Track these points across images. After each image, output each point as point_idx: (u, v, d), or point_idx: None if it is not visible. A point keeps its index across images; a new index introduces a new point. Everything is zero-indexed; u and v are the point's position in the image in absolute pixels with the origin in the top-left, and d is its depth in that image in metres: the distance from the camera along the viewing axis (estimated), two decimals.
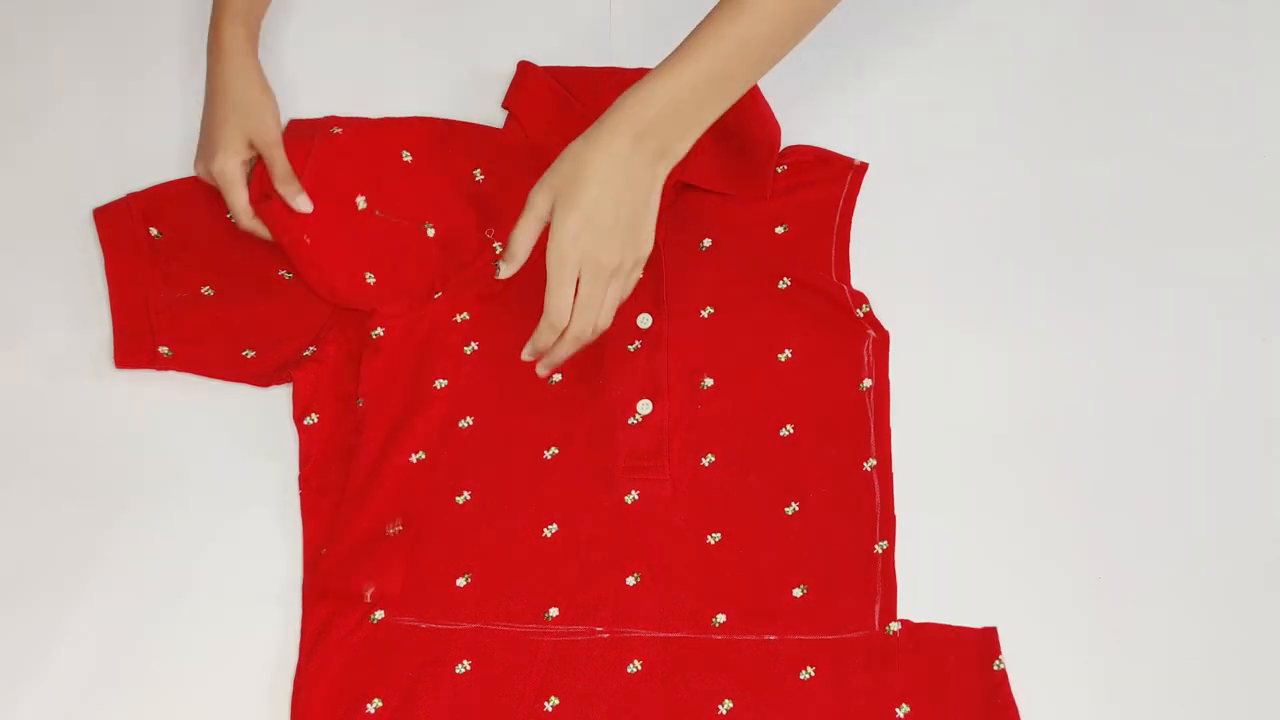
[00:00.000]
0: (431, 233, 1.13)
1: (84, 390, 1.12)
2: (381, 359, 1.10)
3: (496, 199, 1.16)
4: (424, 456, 1.08)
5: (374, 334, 1.10)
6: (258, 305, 1.13)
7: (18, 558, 1.07)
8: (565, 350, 1.04)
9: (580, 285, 1.01)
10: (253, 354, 1.12)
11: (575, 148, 1.00)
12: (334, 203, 1.12)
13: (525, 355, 1.05)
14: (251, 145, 1.10)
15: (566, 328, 1.03)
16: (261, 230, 1.11)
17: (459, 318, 1.12)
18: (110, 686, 1.03)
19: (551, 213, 1.00)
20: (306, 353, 1.11)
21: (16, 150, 1.21)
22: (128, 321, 1.12)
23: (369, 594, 1.03)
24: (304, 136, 1.13)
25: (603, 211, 0.99)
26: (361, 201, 1.12)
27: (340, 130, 1.15)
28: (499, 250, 1.13)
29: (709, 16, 1.02)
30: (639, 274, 1.04)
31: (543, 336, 1.03)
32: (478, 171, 1.17)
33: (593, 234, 0.99)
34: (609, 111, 1.00)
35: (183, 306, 1.13)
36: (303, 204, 1.09)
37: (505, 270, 1.03)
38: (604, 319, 1.04)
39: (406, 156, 1.15)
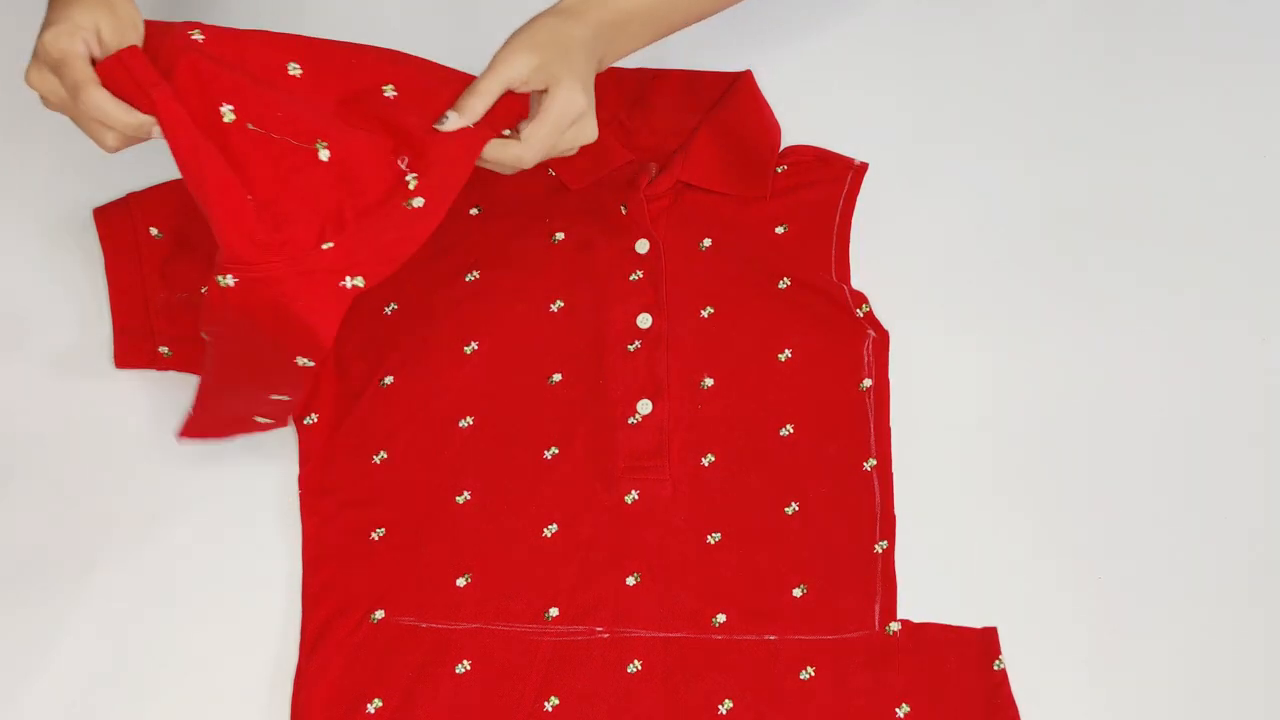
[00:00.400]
0: (325, 155, 0.91)
1: (84, 390, 1.12)
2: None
3: (413, 121, 0.95)
4: (385, 456, 1.08)
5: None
6: None
7: (18, 557, 1.07)
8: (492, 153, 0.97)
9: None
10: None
11: (553, 22, 0.98)
12: (187, 300, 1.10)
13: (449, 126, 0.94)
14: (101, 42, 0.90)
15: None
16: (108, 112, 0.90)
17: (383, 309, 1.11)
18: (110, 686, 1.03)
19: (538, 78, 0.96)
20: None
21: (17, 150, 1.21)
22: (128, 321, 1.12)
23: (377, 616, 1.04)
24: (158, 37, 0.92)
25: (589, 89, 0.98)
26: (228, 112, 0.90)
27: (203, 36, 0.92)
28: (412, 186, 0.94)
29: None
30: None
31: (496, 150, 0.97)
32: (389, 88, 0.96)
33: (588, 101, 0.98)
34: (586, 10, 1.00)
35: (183, 306, 1.13)
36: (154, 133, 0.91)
37: (450, 123, 0.94)
38: (529, 161, 0.98)
39: (294, 69, 0.94)
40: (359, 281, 0.91)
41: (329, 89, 0.94)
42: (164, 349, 1.11)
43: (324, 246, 0.90)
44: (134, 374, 1.12)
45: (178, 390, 1.12)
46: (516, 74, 0.95)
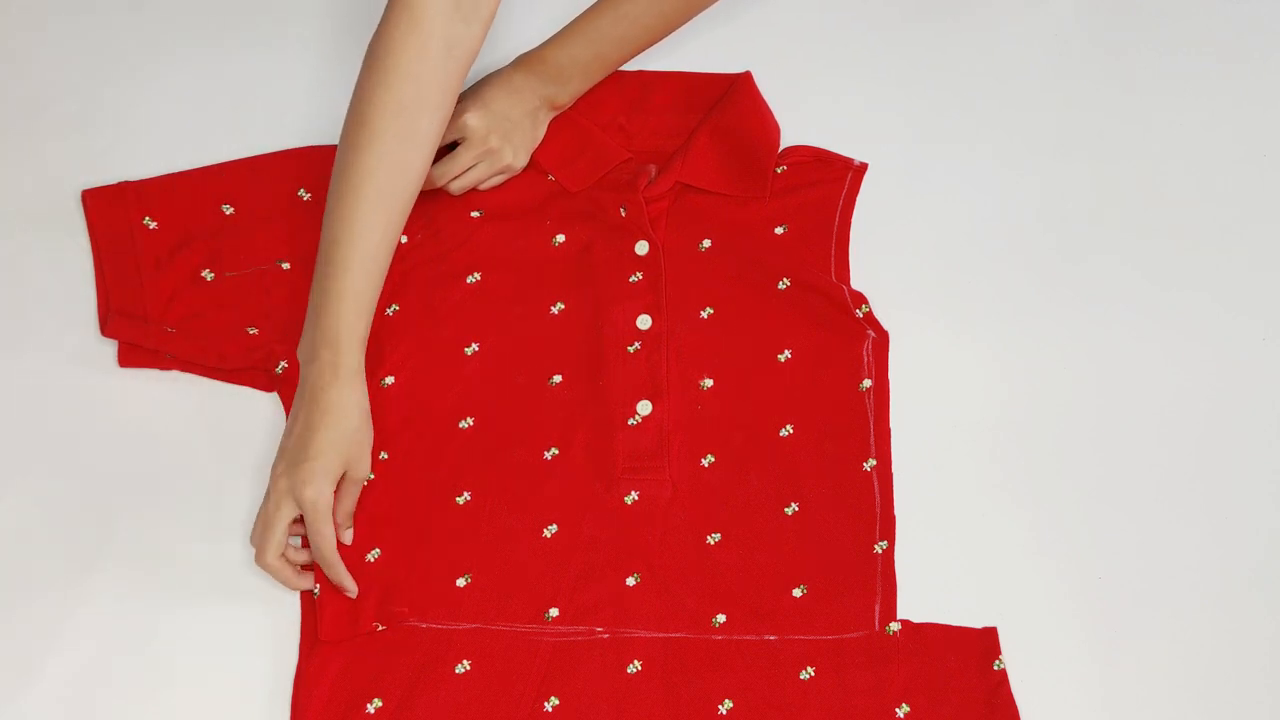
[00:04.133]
0: (286, 266, 1.14)
1: (84, 390, 1.12)
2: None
3: None
4: (386, 457, 1.09)
5: (278, 368, 1.10)
6: (258, 293, 1.13)
7: (18, 557, 1.07)
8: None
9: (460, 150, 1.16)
10: (256, 331, 1.11)
11: (498, 73, 1.19)
12: (184, 289, 1.13)
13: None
14: (341, 476, 1.03)
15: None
16: (338, 569, 1.03)
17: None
18: (110, 686, 1.03)
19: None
20: (278, 369, 1.11)
21: (18, 148, 1.21)
22: (122, 305, 1.12)
23: (378, 627, 1.04)
24: (124, 243, 1.14)
25: (502, 105, 1.17)
26: (208, 274, 1.13)
27: (155, 225, 1.15)
28: None
29: None
30: (499, 175, 1.18)
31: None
32: (302, 192, 1.17)
33: (489, 115, 1.16)
34: (533, 56, 1.19)
35: (181, 290, 1.12)
36: (347, 538, 1.05)
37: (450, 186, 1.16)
38: (456, 186, 1.17)
39: (227, 210, 1.16)
40: None
41: (259, 211, 1.16)
42: (169, 328, 1.11)
43: None
44: (134, 374, 1.12)
45: (178, 390, 1.12)
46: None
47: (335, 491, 1.02)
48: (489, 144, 1.16)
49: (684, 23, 1.20)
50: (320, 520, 1.01)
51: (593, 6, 1.18)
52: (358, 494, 1.05)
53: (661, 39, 1.20)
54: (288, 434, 1.03)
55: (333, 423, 1.02)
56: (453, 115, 1.12)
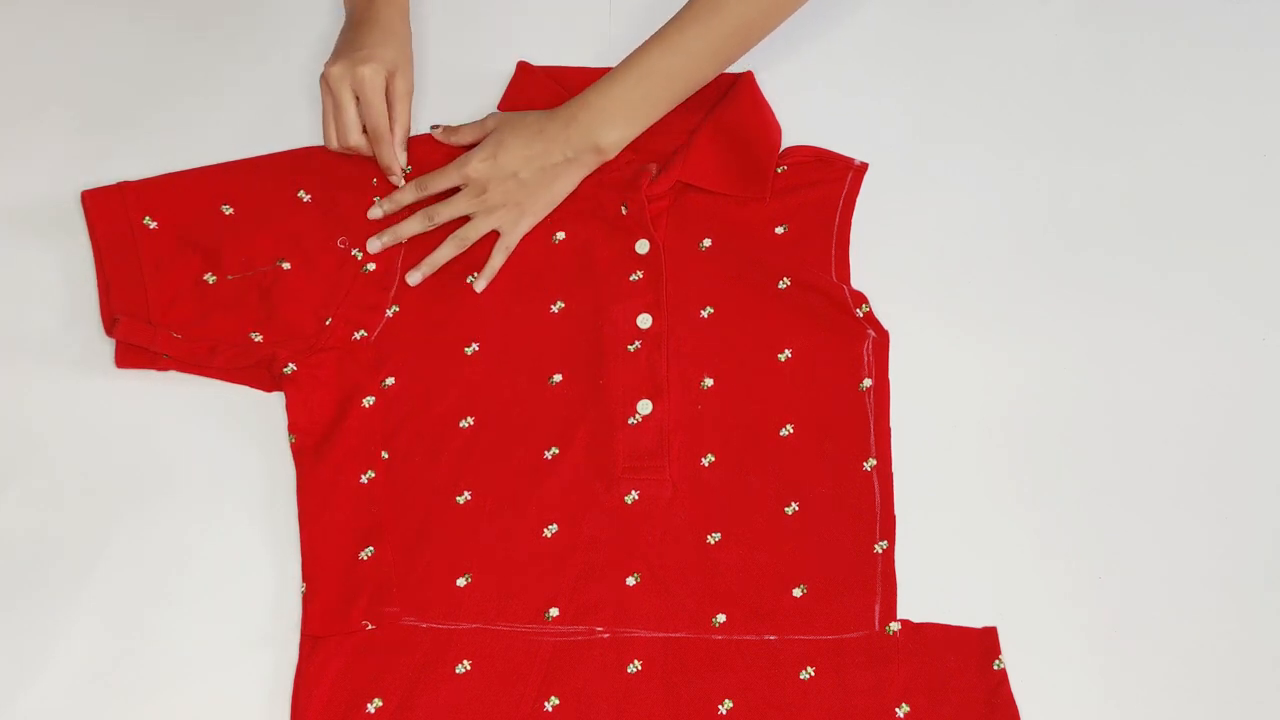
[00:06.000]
0: (288, 266, 1.14)
1: (84, 390, 1.12)
2: (302, 391, 1.11)
3: (332, 210, 1.16)
4: (386, 457, 1.09)
5: (285, 370, 1.10)
6: (259, 295, 1.13)
7: (18, 557, 1.07)
8: (404, 228, 1.15)
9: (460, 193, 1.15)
10: (261, 337, 1.11)
11: (536, 115, 1.16)
12: (187, 290, 1.13)
13: (378, 211, 1.16)
14: (389, 81, 1.15)
15: (419, 206, 1.16)
16: (393, 145, 1.15)
17: (358, 334, 1.12)
18: (110, 686, 1.03)
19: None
20: (286, 370, 1.11)
21: (18, 148, 1.21)
22: (126, 308, 1.12)
23: (367, 625, 1.04)
24: (124, 243, 1.14)
25: (513, 161, 1.14)
26: (210, 278, 1.14)
27: (155, 225, 1.14)
28: (359, 256, 1.15)
29: (676, 19, 1.14)
30: (508, 239, 1.15)
31: (402, 194, 1.16)
32: (302, 193, 1.17)
33: (494, 167, 1.14)
34: (575, 101, 1.15)
35: (183, 292, 1.13)
36: (399, 177, 1.16)
37: (446, 136, 1.18)
38: (439, 219, 1.15)
39: (227, 210, 1.16)
40: (362, 333, 1.13)
41: (258, 212, 1.16)
42: (165, 355, 1.11)
43: (326, 322, 1.12)
44: (134, 374, 1.12)
45: (178, 390, 1.12)
46: (484, 128, 1.18)
47: (389, 106, 1.15)
48: (486, 200, 1.14)
49: (737, 56, 1.16)
50: (376, 97, 1.14)
51: (642, 45, 1.15)
52: (409, 109, 1.16)
53: (713, 74, 1.16)
54: (338, 46, 1.16)
55: (385, 30, 1.15)
56: (464, 155, 1.15)
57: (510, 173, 1.14)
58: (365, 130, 1.16)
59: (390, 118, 1.15)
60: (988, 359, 1.14)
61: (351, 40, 1.16)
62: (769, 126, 1.19)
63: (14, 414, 1.11)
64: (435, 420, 1.10)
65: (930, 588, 1.06)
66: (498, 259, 1.15)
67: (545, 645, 1.04)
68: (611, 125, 1.13)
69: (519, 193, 1.14)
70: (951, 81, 1.25)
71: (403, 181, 1.16)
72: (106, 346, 1.13)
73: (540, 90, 1.21)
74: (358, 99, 1.14)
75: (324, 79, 1.15)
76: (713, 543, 1.07)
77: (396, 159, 1.15)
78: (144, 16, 1.27)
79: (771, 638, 1.04)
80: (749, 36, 1.15)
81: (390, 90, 1.15)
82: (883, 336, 1.13)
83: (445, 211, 1.14)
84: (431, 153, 1.18)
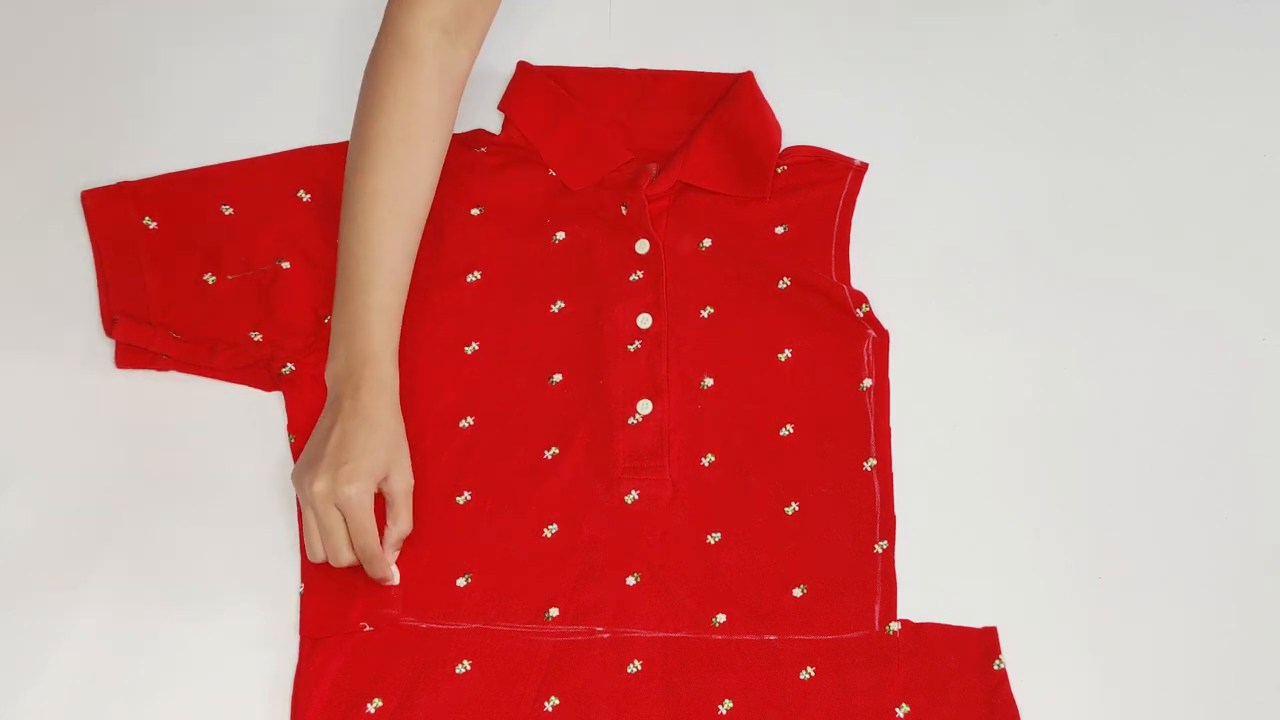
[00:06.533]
0: (287, 265, 1.13)
1: (84, 390, 1.12)
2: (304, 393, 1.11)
3: (329, 210, 1.15)
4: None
5: (284, 369, 1.10)
6: (259, 294, 1.13)
7: (18, 557, 1.07)
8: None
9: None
10: (261, 336, 1.11)
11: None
12: (187, 290, 1.13)
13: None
14: (383, 483, 1.04)
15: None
16: (386, 564, 1.04)
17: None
18: (110, 686, 1.03)
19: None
20: (285, 370, 1.11)
21: (18, 148, 1.21)
22: (126, 307, 1.12)
23: (365, 627, 1.03)
24: (124, 243, 1.13)
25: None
26: (210, 278, 1.13)
27: (155, 225, 1.14)
28: None
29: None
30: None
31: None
32: (302, 193, 1.16)
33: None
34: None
35: (183, 292, 1.13)
36: (395, 577, 1.05)
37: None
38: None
39: (227, 210, 1.16)
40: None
41: (258, 212, 1.15)
42: (165, 355, 1.11)
43: (325, 321, 1.11)
44: (134, 374, 1.12)
45: (178, 390, 1.12)
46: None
47: (381, 508, 1.03)
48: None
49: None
50: (365, 518, 1.01)
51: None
52: (410, 508, 1.05)
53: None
54: (318, 444, 1.03)
55: (374, 428, 1.03)
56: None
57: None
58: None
59: (389, 521, 1.04)
60: (988, 359, 1.14)
61: (337, 444, 1.02)
62: (769, 126, 1.20)
63: (14, 414, 1.11)
64: (435, 420, 1.10)
65: (930, 588, 1.06)
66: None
67: (545, 645, 1.04)
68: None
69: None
70: (951, 81, 1.25)
71: (396, 579, 1.05)
72: (106, 346, 1.13)
73: (540, 90, 1.21)
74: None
75: (301, 491, 1.02)
76: (713, 543, 1.07)
77: (390, 573, 1.04)
78: (144, 16, 1.27)
79: (771, 638, 1.04)
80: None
81: (387, 491, 1.04)
82: (883, 336, 1.13)
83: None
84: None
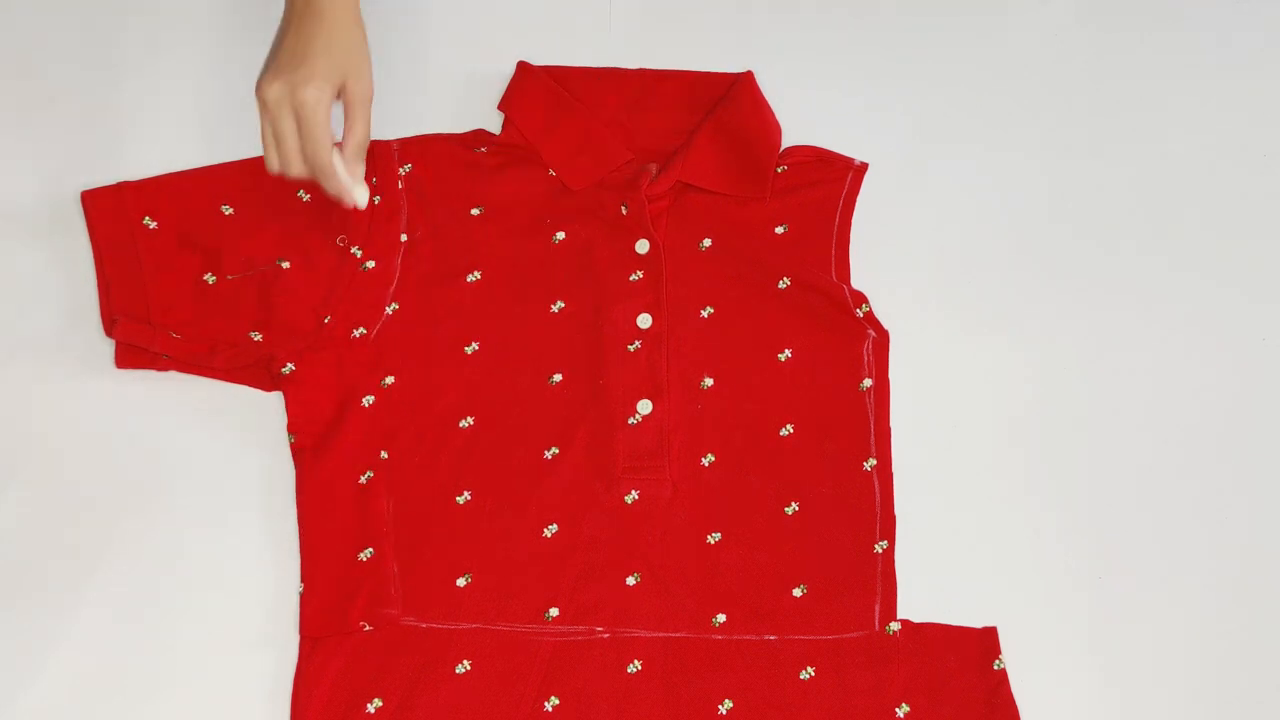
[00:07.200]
0: (286, 265, 1.12)
1: (84, 390, 1.12)
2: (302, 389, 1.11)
3: (332, 209, 1.13)
4: (386, 456, 1.09)
5: (284, 369, 1.10)
6: (258, 294, 1.13)
7: (18, 558, 1.07)
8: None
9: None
10: (260, 336, 1.11)
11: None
12: (187, 290, 1.12)
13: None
14: (342, 90, 1.00)
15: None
16: (338, 178, 1.02)
17: (357, 332, 1.12)
18: (109, 686, 1.03)
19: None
20: (285, 370, 1.11)
21: (17, 148, 1.21)
22: (125, 308, 1.12)
23: (365, 626, 1.04)
24: (124, 243, 1.13)
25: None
26: (210, 278, 1.13)
27: (155, 225, 1.13)
28: (359, 254, 1.13)
29: None
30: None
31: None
32: (301, 193, 1.15)
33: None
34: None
35: (183, 292, 1.13)
36: (360, 197, 1.01)
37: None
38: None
39: (226, 210, 1.15)
40: (361, 331, 1.12)
41: (257, 212, 1.14)
42: (165, 355, 1.11)
43: (325, 320, 1.11)
44: (134, 374, 1.12)
45: (178, 390, 1.12)
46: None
47: (344, 114, 1.01)
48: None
49: None
50: (319, 126, 0.97)
51: None
52: (369, 117, 1.01)
53: None
54: (276, 49, 0.99)
55: (329, 28, 0.99)
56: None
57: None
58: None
59: (346, 129, 1.03)
60: (988, 359, 1.14)
61: (292, 48, 1.00)
62: (769, 126, 1.19)
63: (14, 414, 1.11)
64: (435, 420, 1.10)
65: (930, 588, 1.06)
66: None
67: (545, 645, 1.04)
68: None
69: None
70: (951, 81, 1.25)
71: (363, 200, 1.05)
72: (106, 346, 1.13)
73: (540, 90, 1.20)
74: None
75: (259, 98, 1.00)
76: (713, 543, 1.07)
77: (345, 188, 1.02)
78: (144, 16, 1.27)
79: (771, 638, 1.04)
80: None
81: (345, 97, 1.01)
82: (883, 336, 1.13)
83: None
84: (428, 151, 1.18)
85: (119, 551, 1.07)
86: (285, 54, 0.99)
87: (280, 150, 0.99)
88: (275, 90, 0.98)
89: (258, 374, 1.12)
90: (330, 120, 0.99)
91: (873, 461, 1.09)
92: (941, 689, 1.03)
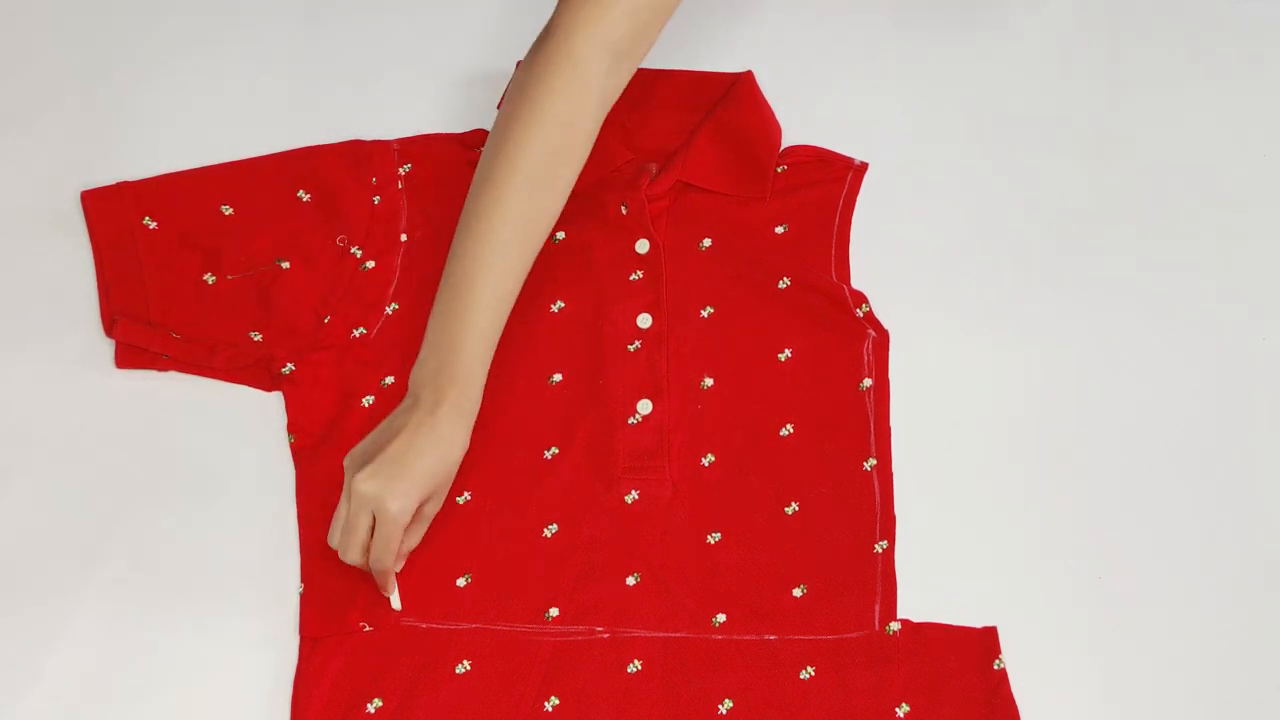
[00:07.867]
0: (286, 265, 1.13)
1: (84, 390, 1.12)
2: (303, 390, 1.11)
3: (328, 210, 1.16)
4: None
5: (284, 369, 1.11)
6: (258, 294, 1.13)
7: (18, 558, 1.07)
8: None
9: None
10: (260, 336, 1.11)
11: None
12: (187, 290, 1.13)
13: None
14: (423, 504, 1.02)
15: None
16: (390, 580, 1.02)
17: (357, 332, 1.12)
18: (110, 687, 1.03)
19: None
20: (285, 370, 1.11)
21: (17, 148, 1.21)
22: (125, 308, 1.12)
23: (365, 627, 1.03)
24: (124, 243, 1.13)
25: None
26: (210, 278, 1.13)
27: (155, 225, 1.14)
28: (359, 254, 1.14)
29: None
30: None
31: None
32: (301, 193, 1.16)
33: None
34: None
35: (183, 292, 1.13)
36: (396, 600, 1.03)
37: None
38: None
39: (226, 210, 1.15)
40: (361, 330, 1.13)
41: (257, 212, 1.16)
42: (165, 355, 1.12)
43: (325, 320, 1.12)
44: (134, 374, 1.12)
45: (178, 390, 1.12)
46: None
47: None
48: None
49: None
50: (394, 536, 0.99)
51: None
52: (425, 529, 1.04)
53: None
54: (381, 441, 1.00)
55: (441, 455, 1.01)
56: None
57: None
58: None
59: (407, 531, 1.02)
60: (988, 359, 1.14)
61: (400, 454, 0.99)
62: (769, 126, 1.20)
63: (14, 414, 1.11)
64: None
65: (930, 588, 1.06)
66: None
67: (545, 645, 1.04)
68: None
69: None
70: (952, 82, 1.25)
71: (398, 603, 1.03)
72: (106, 346, 1.13)
73: None
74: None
75: (347, 481, 1.00)
76: (713, 542, 1.07)
77: (391, 590, 1.03)
78: (144, 16, 1.27)
79: (771, 638, 1.04)
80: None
81: (418, 511, 1.02)
82: (883, 336, 1.13)
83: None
84: (428, 151, 1.18)
85: (119, 551, 1.07)
86: (393, 455, 0.99)
87: (348, 538, 1.00)
88: (368, 488, 0.98)
89: (258, 374, 1.12)
90: (400, 534, 1.00)
91: (872, 461, 1.09)
92: (941, 689, 1.02)
